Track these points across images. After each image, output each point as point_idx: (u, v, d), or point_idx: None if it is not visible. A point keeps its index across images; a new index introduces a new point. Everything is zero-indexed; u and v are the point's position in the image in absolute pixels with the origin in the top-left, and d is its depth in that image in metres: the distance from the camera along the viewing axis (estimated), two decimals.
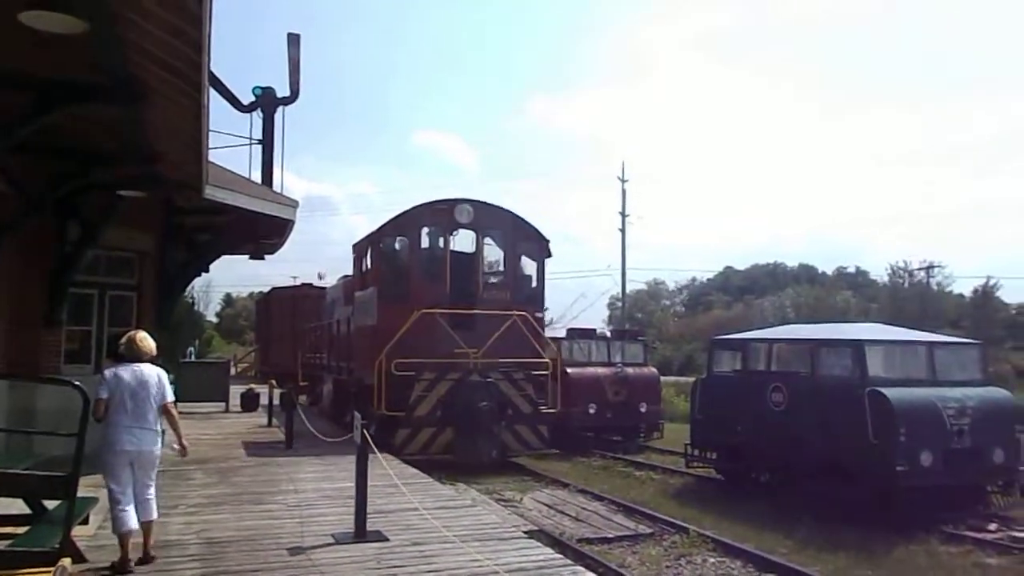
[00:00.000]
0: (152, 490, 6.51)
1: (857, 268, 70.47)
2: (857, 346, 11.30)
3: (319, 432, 12.85)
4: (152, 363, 6.57)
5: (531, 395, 14.83)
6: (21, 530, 4.79)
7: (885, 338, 12.40)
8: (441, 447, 14.06)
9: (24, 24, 5.45)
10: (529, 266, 16.23)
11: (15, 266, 10.79)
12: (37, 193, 9.49)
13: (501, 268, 16.07)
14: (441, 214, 15.25)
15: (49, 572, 3.11)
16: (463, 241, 15.74)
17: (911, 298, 48.81)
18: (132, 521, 6.07)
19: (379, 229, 15.61)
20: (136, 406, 6.24)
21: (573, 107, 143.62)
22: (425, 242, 15.74)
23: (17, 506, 5.64)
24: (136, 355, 6.47)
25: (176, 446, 6.69)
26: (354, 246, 17.37)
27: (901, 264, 53.07)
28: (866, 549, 9.37)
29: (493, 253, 16.06)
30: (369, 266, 15.95)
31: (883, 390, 10.55)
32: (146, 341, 6.63)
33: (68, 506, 3.64)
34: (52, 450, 7.44)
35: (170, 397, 6.54)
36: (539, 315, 15.95)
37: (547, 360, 15.25)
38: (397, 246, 15.75)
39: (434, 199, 15.55)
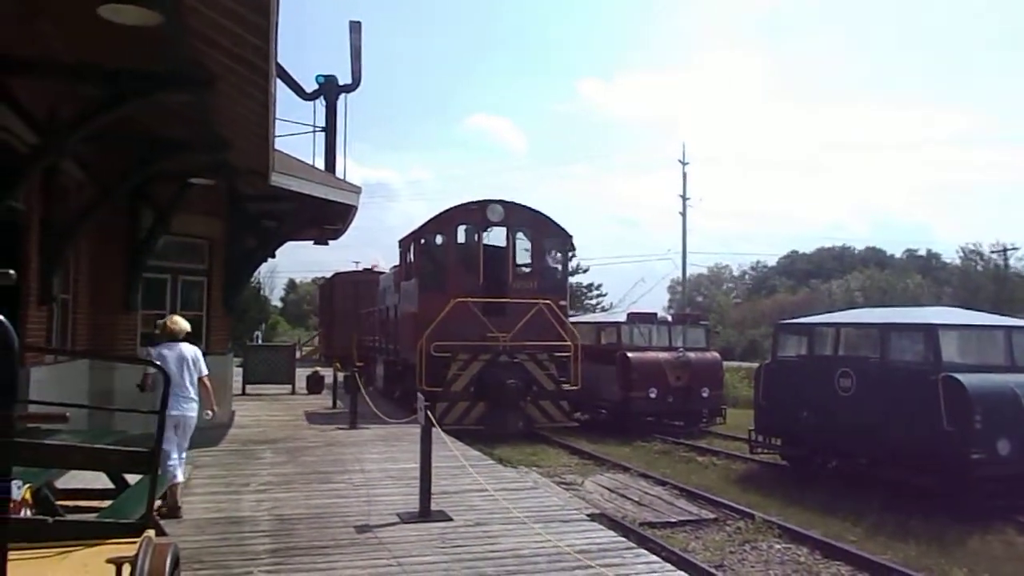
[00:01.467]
0: (183, 455, 7.66)
1: (929, 251, 68.10)
2: (930, 330, 10.96)
3: (383, 413, 13.10)
4: (187, 342, 7.73)
5: (554, 374, 16.37)
6: (105, 503, 5.00)
7: (960, 322, 12.00)
8: (474, 419, 15.46)
9: (101, 17, 5.63)
10: (554, 259, 18.02)
11: (92, 252, 11.22)
12: (111, 181, 9.82)
13: (529, 261, 17.70)
14: (475, 213, 17.01)
15: (135, 543, 3.23)
16: (496, 236, 17.38)
17: (986, 281, 47.06)
18: (179, 474, 7.45)
19: (421, 227, 17.43)
20: (178, 379, 7.30)
21: (626, 90, 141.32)
22: (461, 238, 17.39)
23: (101, 481, 5.92)
24: (173, 335, 7.58)
25: (208, 412, 7.81)
26: (400, 241, 19.12)
27: (973, 246, 51.15)
28: (938, 538, 9.11)
29: (522, 247, 17.66)
30: (412, 259, 17.78)
31: (958, 376, 10.22)
32: (180, 322, 7.74)
33: (151, 480, 3.77)
34: (131, 428, 7.77)
35: (205, 371, 7.72)
36: (563, 303, 17.25)
37: (569, 343, 16.58)
38: (437, 241, 17.44)
39: (469, 200, 17.33)
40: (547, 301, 16.44)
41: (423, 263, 17.29)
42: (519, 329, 16.05)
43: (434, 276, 16.87)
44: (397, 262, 19.96)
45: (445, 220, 17.20)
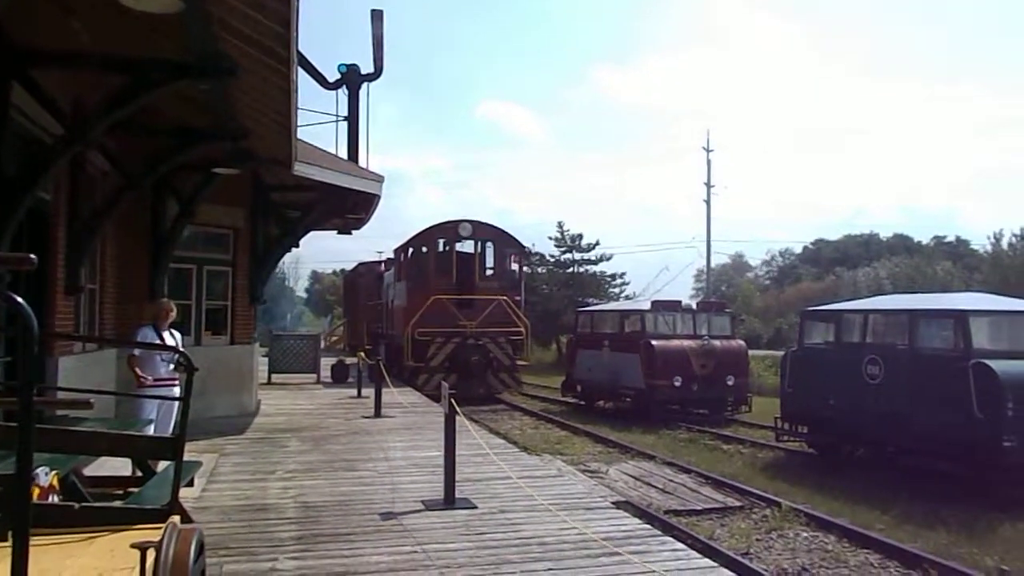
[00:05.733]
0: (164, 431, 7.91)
1: (958, 237, 66.95)
2: (960, 316, 10.79)
3: (407, 403, 13.13)
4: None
5: (509, 352, 21.61)
6: (133, 491, 5.04)
7: (990, 308, 11.80)
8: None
9: (124, 6, 5.63)
10: (512, 264, 23.28)
11: (118, 242, 11.32)
12: (136, 171, 9.86)
13: (492, 265, 22.93)
14: (449, 230, 22.31)
15: (160, 528, 3.24)
16: (468, 246, 22.55)
17: (1017, 268, 46.17)
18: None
19: (409, 240, 23.00)
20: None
21: (639, 75, 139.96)
22: (439, 248, 22.55)
23: (128, 468, 5.97)
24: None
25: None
26: (395, 250, 24.81)
27: (1016, 232, 49.96)
28: (969, 526, 9.00)
29: (488, 255, 23.01)
30: (403, 264, 23.34)
31: (989, 362, 10.06)
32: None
33: (176, 466, 3.78)
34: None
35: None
36: (517, 298, 22.61)
37: (521, 328, 21.82)
38: (422, 251, 22.78)
39: (445, 220, 22.65)
40: (505, 297, 21.67)
41: (410, 268, 22.63)
42: (483, 318, 21.08)
43: (418, 278, 22.06)
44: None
45: (427, 235, 22.61)
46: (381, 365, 15.11)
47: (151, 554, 2.96)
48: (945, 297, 14.09)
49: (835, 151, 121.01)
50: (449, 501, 7.44)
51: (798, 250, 75.41)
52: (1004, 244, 48.12)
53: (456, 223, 22.28)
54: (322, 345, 34.50)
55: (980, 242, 58.00)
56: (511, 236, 23.30)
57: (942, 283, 42.76)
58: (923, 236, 69.80)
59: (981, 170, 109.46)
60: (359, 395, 17.10)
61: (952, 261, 54.53)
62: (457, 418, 7.74)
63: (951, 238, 67.65)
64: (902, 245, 66.38)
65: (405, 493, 7.92)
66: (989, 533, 8.82)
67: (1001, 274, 43.95)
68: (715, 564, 6.04)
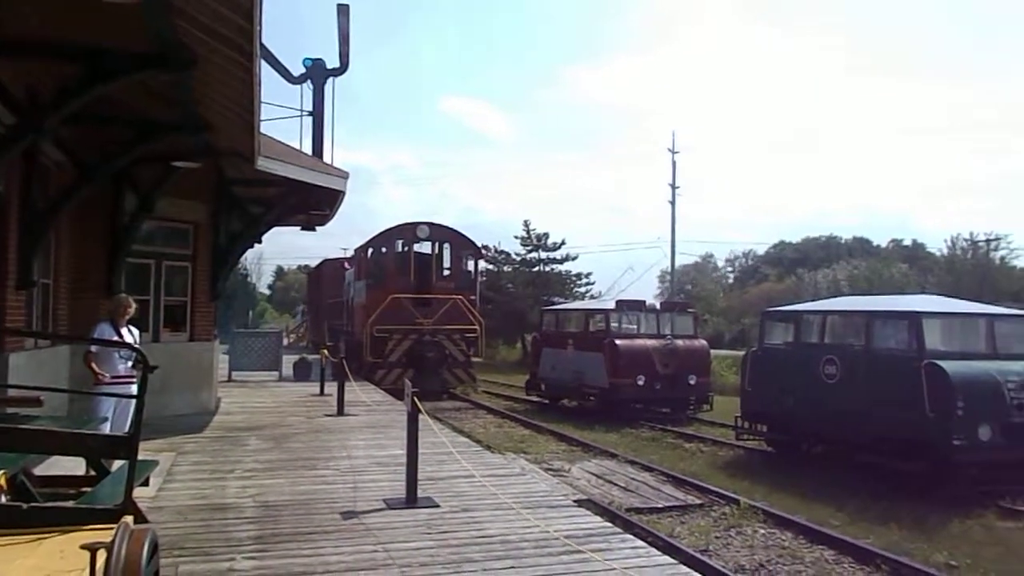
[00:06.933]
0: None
1: (914, 241, 68.44)
2: (914, 318, 11.02)
3: (370, 401, 13.04)
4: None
5: (464, 349, 22.50)
6: (86, 490, 4.93)
7: (943, 310, 12.07)
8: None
9: None
10: (467, 265, 24.18)
11: (74, 236, 11.08)
12: (92, 164, 9.65)
13: (448, 266, 23.81)
14: (408, 231, 23.16)
15: (112, 528, 3.18)
16: (425, 247, 23.43)
17: (969, 271, 47.29)
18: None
19: (369, 241, 23.98)
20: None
21: (607, 76, 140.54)
22: (398, 248, 23.37)
23: (83, 467, 5.84)
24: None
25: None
26: (355, 249, 26.46)
27: (966, 236, 51.10)
28: (920, 523, 9.19)
29: (444, 256, 23.82)
30: (363, 264, 24.26)
31: (941, 363, 10.29)
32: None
33: (130, 466, 3.71)
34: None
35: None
36: (472, 297, 23.43)
37: (475, 326, 22.51)
38: (381, 251, 23.64)
39: (404, 222, 23.50)
40: (460, 296, 22.38)
41: (370, 268, 23.46)
42: (439, 316, 21.94)
43: (378, 277, 22.90)
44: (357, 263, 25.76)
45: (386, 236, 23.42)
46: (343, 363, 15.00)
47: (102, 555, 2.89)
48: (900, 299, 14.37)
49: (804, 152, 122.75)
50: (411, 500, 7.40)
51: (761, 251, 76.54)
52: (958, 248, 49.26)
53: (414, 225, 23.12)
54: (286, 342, 34.20)
55: (936, 245, 59.42)
56: (467, 238, 24.22)
57: (898, 285, 43.61)
58: (881, 239, 71.26)
59: (939, 174, 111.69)
60: (321, 393, 16.95)
61: (908, 264, 55.65)
62: (420, 416, 7.71)
63: (908, 241, 69.15)
64: (861, 247, 67.65)
65: (367, 492, 7.87)
66: (940, 529, 9.03)
67: (955, 277, 44.94)
68: (675, 561, 6.09)
